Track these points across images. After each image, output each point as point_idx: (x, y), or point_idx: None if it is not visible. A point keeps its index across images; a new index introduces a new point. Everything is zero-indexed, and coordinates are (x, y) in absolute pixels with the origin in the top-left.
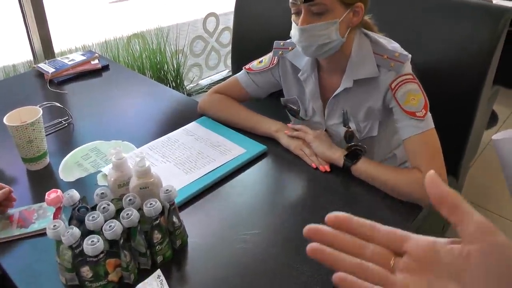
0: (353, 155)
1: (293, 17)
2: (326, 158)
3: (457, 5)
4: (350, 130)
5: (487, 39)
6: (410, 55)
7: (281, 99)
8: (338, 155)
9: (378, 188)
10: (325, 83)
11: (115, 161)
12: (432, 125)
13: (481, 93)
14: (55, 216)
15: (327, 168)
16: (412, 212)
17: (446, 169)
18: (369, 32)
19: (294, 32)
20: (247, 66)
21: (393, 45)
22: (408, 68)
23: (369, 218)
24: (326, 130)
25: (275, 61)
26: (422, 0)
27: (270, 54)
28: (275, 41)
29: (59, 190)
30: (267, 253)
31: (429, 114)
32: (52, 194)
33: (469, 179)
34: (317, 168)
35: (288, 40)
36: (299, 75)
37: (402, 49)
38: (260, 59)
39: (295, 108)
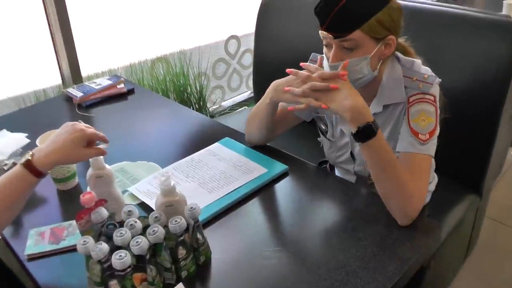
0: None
1: (324, 49)
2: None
3: (474, 21)
4: None
5: (506, 55)
6: (439, 79)
7: (314, 114)
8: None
9: (377, 175)
10: None
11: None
12: (431, 153)
13: (501, 110)
14: (79, 217)
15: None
16: (434, 229)
17: (469, 187)
18: (400, 56)
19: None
20: None
21: (424, 68)
22: (434, 90)
23: (388, 238)
24: (351, 152)
25: None
26: (437, 16)
27: None
28: (313, 53)
29: (92, 192)
30: (287, 270)
31: (433, 141)
32: (87, 195)
33: (494, 196)
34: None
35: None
36: None
37: (432, 72)
38: None
39: (323, 128)
